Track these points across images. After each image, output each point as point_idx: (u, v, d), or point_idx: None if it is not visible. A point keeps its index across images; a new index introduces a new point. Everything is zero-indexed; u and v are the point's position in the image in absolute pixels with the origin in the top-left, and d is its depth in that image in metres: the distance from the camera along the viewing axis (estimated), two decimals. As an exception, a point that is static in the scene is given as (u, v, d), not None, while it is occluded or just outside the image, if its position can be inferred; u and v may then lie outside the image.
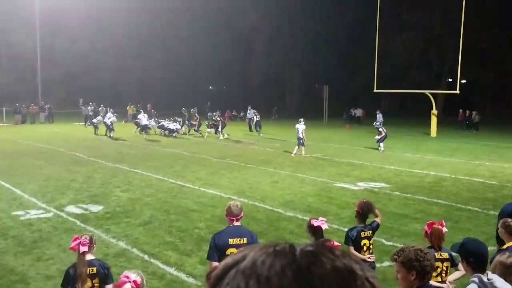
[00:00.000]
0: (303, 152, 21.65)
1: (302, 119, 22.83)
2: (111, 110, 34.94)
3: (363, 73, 53.22)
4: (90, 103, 42.93)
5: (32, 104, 44.43)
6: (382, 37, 37.47)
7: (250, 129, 35.52)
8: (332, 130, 37.35)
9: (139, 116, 32.14)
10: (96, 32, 59.27)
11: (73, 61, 57.53)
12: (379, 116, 36.50)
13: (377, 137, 24.13)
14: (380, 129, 24.45)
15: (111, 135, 29.14)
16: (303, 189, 14.32)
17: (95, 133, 31.12)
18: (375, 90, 36.19)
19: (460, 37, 29.76)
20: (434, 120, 33.81)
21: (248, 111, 36.61)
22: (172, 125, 30.49)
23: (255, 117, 34.86)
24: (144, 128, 29.88)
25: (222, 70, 67.82)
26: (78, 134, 32.38)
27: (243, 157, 20.99)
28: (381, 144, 23.66)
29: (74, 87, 57.66)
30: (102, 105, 41.81)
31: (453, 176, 16.65)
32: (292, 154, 21.59)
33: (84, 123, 40.01)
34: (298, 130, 22.07)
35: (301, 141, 21.77)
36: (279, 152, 22.88)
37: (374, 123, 25.05)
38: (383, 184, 15.12)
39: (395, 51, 51.18)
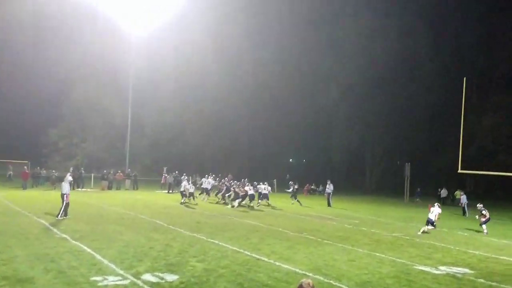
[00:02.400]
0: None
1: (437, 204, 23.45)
2: (186, 177, 36.91)
3: (446, 153, 51.83)
4: (174, 172, 44.55)
5: (119, 171, 46.61)
6: (468, 118, 36.49)
7: (329, 204, 35.06)
8: (414, 209, 36.09)
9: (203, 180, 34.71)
10: (182, 105, 61.99)
11: (159, 131, 60.29)
12: (464, 198, 35.19)
13: (482, 219, 23.35)
14: (484, 212, 23.49)
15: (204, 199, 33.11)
16: (381, 269, 13.72)
17: (181, 202, 31.62)
18: (459, 171, 34.84)
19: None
20: (525, 205, 31.79)
21: (328, 186, 36.23)
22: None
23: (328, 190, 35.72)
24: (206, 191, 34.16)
25: (304, 144, 68.47)
26: (160, 202, 33.34)
27: (320, 232, 20.59)
28: (484, 226, 23.10)
29: (159, 156, 59.91)
30: (184, 174, 42.98)
31: (546, 266, 15.41)
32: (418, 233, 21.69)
33: (167, 191, 41.60)
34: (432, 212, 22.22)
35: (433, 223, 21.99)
36: (357, 229, 22.26)
37: (478, 205, 24.14)
38: (466, 270, 14.20)
39: (482, 133, 49.70)
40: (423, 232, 21.72)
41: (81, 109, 60.04)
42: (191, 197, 32.40)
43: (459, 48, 58.35)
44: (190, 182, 34.56)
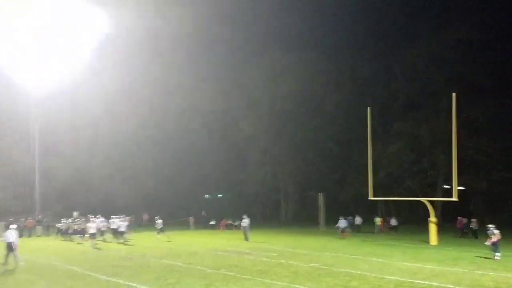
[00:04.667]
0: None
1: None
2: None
3: (356, 181, 53.78)
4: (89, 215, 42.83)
5: (30, 218, 44.41)
6: (374, 147, 38.29)
7: (246, 238, 35.14)
8: (328, 238, 36.98)
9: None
10: (90, 149, 60.45)
11: (69, 176, 58.33)
12: (343, 222, 38.45)
13: (493, 239, 24.08)
14: (496, 231, 24.13)
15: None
16: (300, 301, 13.91)
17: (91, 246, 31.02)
18: (370, 198, 36.33)
19: (452, 146, 30.28)
20: (433, 228, 32.96)
21: (243, 220, 36.38)
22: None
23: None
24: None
25: (218, 179, 68.62)
26: (73, 247, 32.06)
27: (238, 267, 20.59)
28: (498, 254, 24.07)
29: (69, 201, 57.72)
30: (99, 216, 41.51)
31: (457, 287, 16.27)
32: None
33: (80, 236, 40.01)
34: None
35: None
36: (275, 262, 22.45)
37: (488, 226, 24.73)
38: (383, 295, 14.71)
39: (388, 160, 52.12)
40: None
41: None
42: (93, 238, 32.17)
43: (358, 81, 61.48)
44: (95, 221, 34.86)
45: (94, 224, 33.69)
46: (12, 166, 55.68)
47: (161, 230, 36.60)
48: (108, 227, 37.55)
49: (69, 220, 40.14)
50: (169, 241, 34.54)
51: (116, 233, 35.65)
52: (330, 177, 61.24)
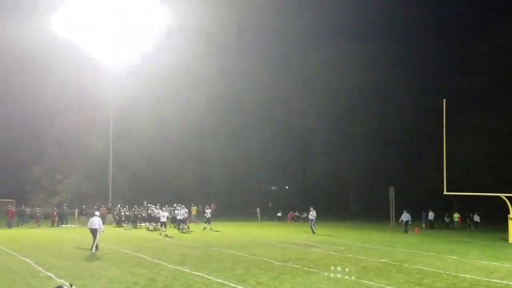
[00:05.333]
0: None
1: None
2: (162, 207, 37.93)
3: (429, 175, 52.06)
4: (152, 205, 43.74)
5: (103, 206, 45.72)
6: (448, 140, 36.70)
7: (313, 231, 34.79)
8: (399, 234, 35.98)
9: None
10: (161, 136, 61.78)
11: (139, 163, 59.84)
12: (406, 215, 37.14)
13: None
14: None
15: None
16: (370, 297, 13.44)
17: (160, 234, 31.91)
18: (445, 192, 34.90)
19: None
20: (512, 226, 31.52)
21: (311, 212, 36.02)
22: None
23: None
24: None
25: (283, 170, 68.52)
26: (143, 235, 32.91)
27: (306, 260, 20.26)
28: None
29: (140, 188, 59.31)
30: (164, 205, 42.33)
31: (536, 287, 15.26)
32: None
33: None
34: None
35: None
36: (343, 256, 21.97)
37: None
38: (458, 294, 13.98)
39: (463, 154, 50.09)
40: None
41: (62, 144, 59.41)
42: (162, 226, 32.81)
43: (432, 71, 59.41)
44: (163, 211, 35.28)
45: (166, 212, 34.40)
46: (90, 151, 57.78)
47: (208, 221, 37.50)
48: (174, 216, 38.18)
49: (140, 208, 41.18)
50: (216, 231, 35.56)
51: (176, 221, 36.60)
52: (400, 170, 59.58)
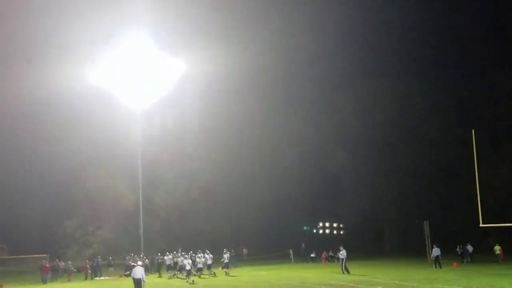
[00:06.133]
0: None
1: None
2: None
3: (463, 207, 50.94)
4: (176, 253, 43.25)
5: (135, 255, 45.44)
6: (481, 170, 35.98)
7: (343, 271, 34.04)
8: (438, 270, 34.98)
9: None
10: (190, 182, 62.02)
11: (169, 212, 60.03)
12: (436, 250, 36.23)
13: None
14: None
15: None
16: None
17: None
18: (481, 225, 33.99)
19: None
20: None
21: (341, 252, 35.34)
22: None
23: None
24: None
25: (315, 210, 67.94)
26: (178, 284, 32.59)
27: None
28: None
29: (173, 236, 59.28)
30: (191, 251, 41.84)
31: None
32: None
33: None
34: None
35: None
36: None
37: None
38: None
39: (497, 184, 49.04)
40: None
41: (93, 196, 59.98)
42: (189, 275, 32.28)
43: (459, 103, 58.95)
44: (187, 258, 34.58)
45: (189, 260, 33.71)
46: (120, 201, 58.12)
47: (226, 266, 37.04)
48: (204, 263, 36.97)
49: (171, 256, 40.53)
50: (233, 276, 35.20)
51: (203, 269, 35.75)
52: (435, 204, 58.47)
